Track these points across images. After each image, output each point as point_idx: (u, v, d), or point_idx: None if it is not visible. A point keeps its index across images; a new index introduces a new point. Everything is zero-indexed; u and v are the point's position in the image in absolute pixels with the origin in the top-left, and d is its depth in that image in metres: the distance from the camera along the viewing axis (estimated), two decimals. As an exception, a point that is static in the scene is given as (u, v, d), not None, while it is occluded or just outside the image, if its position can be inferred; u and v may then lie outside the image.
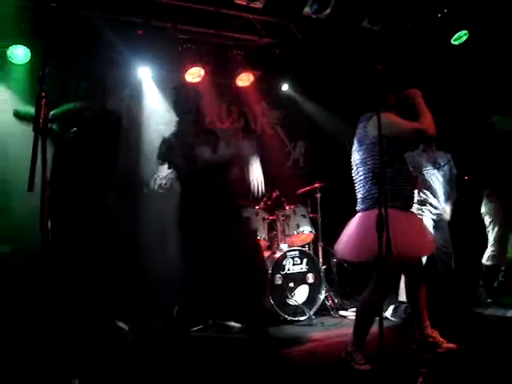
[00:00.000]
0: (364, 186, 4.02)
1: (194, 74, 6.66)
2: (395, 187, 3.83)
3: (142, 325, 3.67)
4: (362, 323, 4.02)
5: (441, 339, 4.16)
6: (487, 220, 6.08)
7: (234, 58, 6.84)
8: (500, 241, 6.00)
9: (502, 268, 6.15)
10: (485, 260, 6.07)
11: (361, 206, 4.03)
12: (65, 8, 5.64)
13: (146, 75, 6.52)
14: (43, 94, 2.31)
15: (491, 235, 6.04)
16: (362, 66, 6.71)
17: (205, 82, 6.78)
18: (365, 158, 4.03)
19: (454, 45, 6.57)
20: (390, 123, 3.79)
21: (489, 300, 5.99)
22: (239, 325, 5.34)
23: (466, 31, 6.46)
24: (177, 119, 4.40)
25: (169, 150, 4.19)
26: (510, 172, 5.93)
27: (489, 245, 6.06)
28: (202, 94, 4.59)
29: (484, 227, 6.15)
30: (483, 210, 6.12)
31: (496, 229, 6.00)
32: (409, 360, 4.02)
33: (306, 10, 5.89)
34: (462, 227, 6.02)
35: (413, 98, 4.00)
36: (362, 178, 4.05)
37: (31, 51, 5.65)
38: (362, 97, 3.99)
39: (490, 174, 6.14)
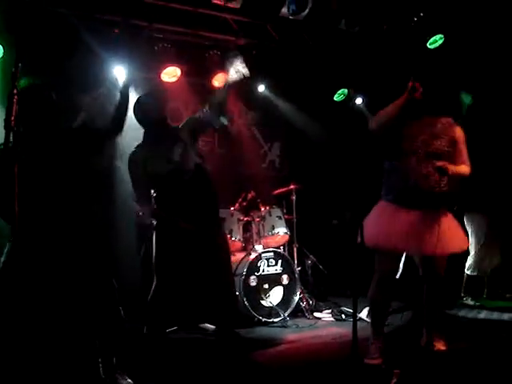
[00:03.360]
0: None
1: (170, 74, 6.62)
2: (390, 182, 3.99)
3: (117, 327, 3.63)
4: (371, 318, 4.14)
5: (442, 347, 4.13)
6: (469, 230, 6.09)
7: (210, 58, 6.81)
8: (479, 255, 6.05)
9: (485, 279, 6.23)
10: (467, 269, 6.13)
11: None
12: (39, 4, 5.56)
13: (121, 74, 6.43)
14: (15, 92, 2.26)
15: (473, 246, 6.07)
16: (339, 68, 6.78)
17: (181, 82, 6.75)
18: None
19: (430, 48, 6.63)
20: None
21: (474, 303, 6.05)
22: (213, 327, 5.29)
23: (441, 35, 6.51)
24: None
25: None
26: (492, 185, 5.99)
27: (470, 255, 6.10)
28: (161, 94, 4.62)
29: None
30: (466, 220, 6.12)
31: (479, 242, 6.04)
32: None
33: (284, 11, 5.88)
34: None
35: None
36: None
37: (4, 47, 5.55)
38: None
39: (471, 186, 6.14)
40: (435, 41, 6.62)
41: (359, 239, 3.43)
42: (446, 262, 4.12)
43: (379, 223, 3.93)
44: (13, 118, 2.29)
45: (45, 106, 3.51)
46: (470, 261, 6.11)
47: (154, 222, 4.51)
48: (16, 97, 2.24)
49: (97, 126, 3.80)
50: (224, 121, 4.81)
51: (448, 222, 4.05)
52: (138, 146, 4.47)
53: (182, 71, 6.62)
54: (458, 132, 4.07)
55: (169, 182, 4.37)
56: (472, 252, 6.07)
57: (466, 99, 6.09)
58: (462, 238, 4.13)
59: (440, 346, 4.13)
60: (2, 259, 3.25)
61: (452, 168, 3.86)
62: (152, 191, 4.49)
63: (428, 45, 6.62)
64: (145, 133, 4.51)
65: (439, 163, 3.84)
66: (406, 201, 3.95)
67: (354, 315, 3.34)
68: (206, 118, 4.57)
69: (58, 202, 3.43)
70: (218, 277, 4.64)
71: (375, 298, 4.04)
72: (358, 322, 5.07)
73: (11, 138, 2.25)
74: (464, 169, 4.01)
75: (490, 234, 6.04)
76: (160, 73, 6.57)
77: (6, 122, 2.27)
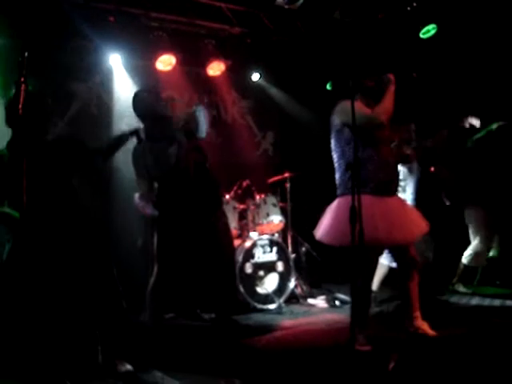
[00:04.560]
0: (337, 172, 4.16)
1: (165, 62, 6.65)
2: (365, 173, 3.87)
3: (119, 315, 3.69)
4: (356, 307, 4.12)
5: (431, 332, 4.18)
6: (469, 224, 6.18)
7: (205, 46, 6.84)
8: (481, 247, 6.13)
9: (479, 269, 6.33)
10: (464, 258, 6.20)
11: (337, 191, 4.13)
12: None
13: (116, 63, 6.46)
14: (22, 79, 2.27)
15: (473, 238, 6.16)
16: (333, 57, 6.81)
17: (176, 70, 6.77)
18: (334, 146, 4.17)
19: (423, 38, 6.68)
20: (349, 111, 3.88)
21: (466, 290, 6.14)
22: (210, 314, 5.36)
23: (434, 25, 6.55)
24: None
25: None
26: (491, 180, 6.06)
27: (470, 246, 6.18)
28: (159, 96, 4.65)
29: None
30: (466, 214, 6.21)
31: (477, 237, 6.11)
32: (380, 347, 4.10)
33: (278, 0, 5.91)
34: (445, 222, 6.12)
35: (385, 84, 4.09)
36: (335, 164, 4.17)
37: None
38: (335, 87, 4.04)
39: (470, 180, 6.22)
40: (428, 31, 6.65)
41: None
42: None
43: (374, 218, 3.80)
44: (20, 106, 2.30)
45: (42, 114, 3.54)
46: (469, 251, 6.15)
47: (156, 213, 4.56)
48: (23, 85, 2.25)
49: (86, 145, 3.81)
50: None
51: (408, 205, 4.31)
52: (139, 143, 4.49)
53: (176, 60, 6.64)
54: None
55: (169, 178, 4.43)
56: (473, 243, 6.14)
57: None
58: (422, 217, 4.21)
59: (426, 329, 4.21)
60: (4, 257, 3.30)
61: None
62: (155, 183, 4.54)
63: (421, 34, 6.65)
64: (144, 127, 4.53)
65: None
66: (387, 190, 4.02)
67: (352, 302, 3.38)
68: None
69: (54, 197, 3.48)
70: (218, 265, 4.70)
71: (361, 288, 4.07)
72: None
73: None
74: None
75: (488, 226, 6.11)
76: (155, 61, 6.58)
77: (14, 111, 2.28)
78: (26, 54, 2.39)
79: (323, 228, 4.12)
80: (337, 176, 4.15)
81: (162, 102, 4.60)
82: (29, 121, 3.10)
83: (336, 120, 4.07)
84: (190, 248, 4.46)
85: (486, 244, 6.08)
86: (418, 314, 4.22)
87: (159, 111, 4.51)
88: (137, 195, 4.60)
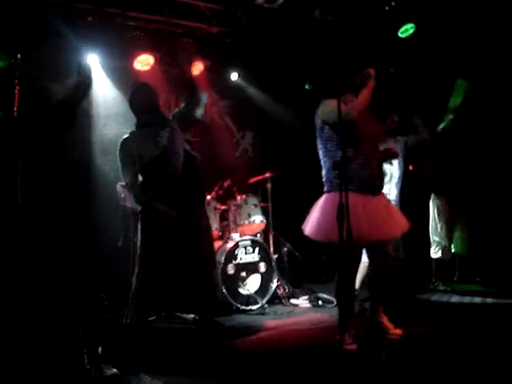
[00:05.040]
0: (323, 169, 4.22)
1: (143, 62, 6.55)
2: (349, 172, 3.83)
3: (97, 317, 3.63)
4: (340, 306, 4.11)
5: (389, 325, 4.29)
6: (433, 215, 6.29)
7: (183, 46, 6.77)
8: (443, 237, 6.22)
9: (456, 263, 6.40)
10: (433, 254, 6.27)
11: (324, 188, 4.19)
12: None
13: (94, 62, 6.36)
14: (17, 82, 2.21)
15: (436, 230, 6.25)
16: (313, 56, 6.80)
17: (154, 70, 6.69)
18: (318, 144, 4.24)
19: (401, 37, 6.70)
20: (326, 110, 3.96)
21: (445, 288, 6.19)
22: (192, 315, 5.31)
23: (412, 24, 6.58)
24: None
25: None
26: (457, 170, 6.15)
27: (433, 239, 6.27)
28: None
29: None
30: (431, 204, 6.33)
31: (442, 225, 6.21)
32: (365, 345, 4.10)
33: (259, -1, 5.88)
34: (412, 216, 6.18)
35: (365, 78, 4.11)
36: (321, 161, 4.22)
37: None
38: (316, 85, 4.03)
39: (437, 170, 6.32)
40: (406, 30, 6.67)
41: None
42: None
43: (356, 215, 3.83)
44: (15, 109, 2.24)
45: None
46: (433, 244, 6.28)
47: (139, 209, 4.49)
48: (18, 87, 2.19)
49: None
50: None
51: (391, 203, 4.43)
52: (130, 133, 4.45)
53: (155, 59, 6.56)
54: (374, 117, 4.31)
55: (156, 167, 4.36)
56: (436, 237, 6.25)
57: (461, 87, 6.17)
58: (403, 216, 4.32)
59: (386, 323, 4.31)
60: None
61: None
62: (139, 177, 4.46)
63: (399, 34, 6.67)
64: (137, 119, 4.49)
65: (392, 149, 4.12)
66: (369, 188, 4.08)
67: (338, 302, 3.38)
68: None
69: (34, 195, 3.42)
70: (199, 266, 4.65)
71: (345, 287, 4.07)
72: (335, 308, 5.22)
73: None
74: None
75: (453, 217, 6.22)
76: (133, 61, 6.50)
77: (8, 114, 2.22)
78: (19, 56, 2.32)
79: (310, 224, 4.15)
80: (323, 173, 4.22)
81: (157, 94, 4.61)
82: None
83: (318, 119, 4.14)
84: (172, 247, 4.39)
85: (448, 235, 6.22)
86: (381, 308, 4.33)
87: (157, 103, 4.54)
88: (119, 184, 4.55)
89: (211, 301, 4.91)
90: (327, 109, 4.01)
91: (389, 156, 4.38)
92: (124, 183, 4.54)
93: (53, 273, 3.37)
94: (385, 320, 4.32)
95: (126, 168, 4.40)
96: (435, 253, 6.28)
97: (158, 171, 4.36)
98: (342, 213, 3.14)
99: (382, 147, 4.40)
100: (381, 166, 4.32)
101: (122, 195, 4.55)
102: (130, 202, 4.56)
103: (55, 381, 3.35)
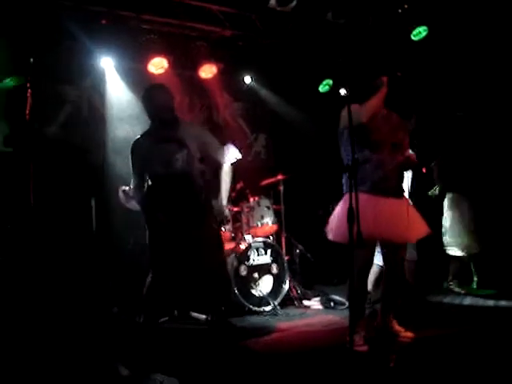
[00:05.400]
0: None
1: (157, 65, 6.63)
2: (363, 173, 4.01)
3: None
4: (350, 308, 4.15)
5: (400, 328, 4.30)
6: (449, 211, 6.29)
7: (197, 49, 6.83)
8: (458, 233, 6.22)
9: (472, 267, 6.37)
10: (452, 251, 6.27)
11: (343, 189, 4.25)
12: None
13: (108, 65, 6.43)
14: (29, 85, 2.25)
15: (450, 226, 6.25)
16: (326, 60, 6.82)
17: (168, 73, 6.75)
18: (341, 147, 4.31)
19: (414, 40, 6.70)
20: (344, 114, 4.05)
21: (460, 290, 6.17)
22: (204, 316, 5.34)
23: (425, 27, 6.59)
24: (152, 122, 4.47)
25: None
26: (476, 168, 6.15)
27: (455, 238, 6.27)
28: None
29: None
30: (447, 200, 6.34)
31: (458, 222, 6.21)
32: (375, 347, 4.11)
33: (272, 2, 5.91)
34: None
35: (377, 86, 4.16)
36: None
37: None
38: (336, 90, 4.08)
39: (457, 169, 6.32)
40: (419, 32, 6.68)
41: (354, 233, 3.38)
42: None
43: (368, 215, 3.91)
44: (28, 112, 2.28)
45: None
46: (449, 243, 6.29)
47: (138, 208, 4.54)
48: (30, 90, 2.23)
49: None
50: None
51: (412, 208, 4.32)
52: (142, 134, 4.50)
53: (168, 62, 6.62)
54: (406, 125, 4.40)
55: (167, 183, 4.41)
56: (450, 236, 6.25)
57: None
58: (424, 223, 4.31)
59: (396, 326, 4.30)
60: None
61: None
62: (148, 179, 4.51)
63: (412, 36, 6.68)
64: (151, 120, 4.52)
65: (408, 154, 4.15)
66: (382, 189, 4.10)
67: (350, 304, 3.39)
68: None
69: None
70: (211, 267, 4.67)
71: (356, 288, 4.10)
72: (347, 310, 5.23)
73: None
74: None
75: (470, 216, 6.22)
76: (147, 64, 6.56)
77: (21, 117, 2.26)
78: (32, 60, 2.38)
79: (329, 225, 4.21)
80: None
81: (172, 95, 4.58)
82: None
83: (340, 125, 4.22)
84: (181, 249, 4.43)
85: (461, 232, 6.23)
86: (392, 311, 4.33)
87: (172, 103, 4.52)
88: (121, 188, 4.59)
89: (224, 301, 4.94)
90: (344, 113, 4.08)
91: (407, 164, 4.39)
92: (126, 188, 4.57)
93: (63, 273, 3.42)
94: (395, 323, 4.32)
95: (134, 169, 4.46)
96: (452, 250, 6.26)
97: (168, 186, 4.41)
98: (350, 215, 3.17)
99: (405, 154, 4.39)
100: (398, 170, 4.30)
101: (123, 198, 4.60)
102: (131, 204, 4.60)
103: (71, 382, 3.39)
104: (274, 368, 3.86)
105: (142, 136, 4.51)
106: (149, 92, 4.55)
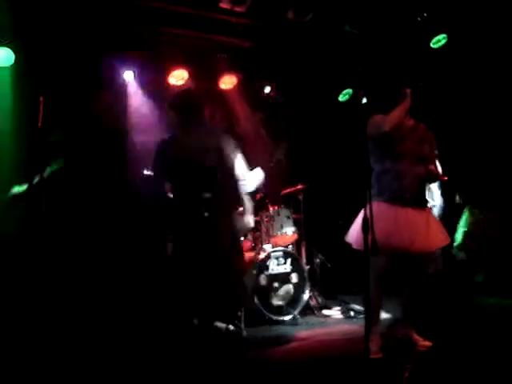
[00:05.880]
0: None
1: (178, 77, 6.73)
2: (383, 183, 4.09)
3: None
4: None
5: (418, 337, 4.29)
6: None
7: (216, 60, 6.91)
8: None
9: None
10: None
11: None
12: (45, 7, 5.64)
13: (129, 77, 6.54)
14: (41, 99, 2.31)
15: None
16: (344, 69, 6.85)
17: (188, 84, 6.83)
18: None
19: (433, 48, 6.70)
20: (368, 124, 4.09)
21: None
22: (225, 325, 5.36)
23: (444, 35, 6.58)
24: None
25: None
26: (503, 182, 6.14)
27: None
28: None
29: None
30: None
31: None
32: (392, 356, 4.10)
33: (289, 13, 5.96)
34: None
35: (402, 97, 4.18)
36: None
37: (15, 53, 5.62)
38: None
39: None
40: (438, 40, 6.68)
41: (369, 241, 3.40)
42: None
43: (386, 224, 3.96)
44: (40, 124, 2.35)
45: None
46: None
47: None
48: (42, 98, 2.29)
49: None
50: None
51: (433, 219, 4.38)
52: (170, 137, 4.57)
53: (189, 74, 6.71)
54: (433, 138, 4.40)
55: (183, 173, 4.46)
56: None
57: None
58: (445, 232, 4.35)
59: (414, 336, 4.30)
60: None
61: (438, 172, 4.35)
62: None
63: (431, 44, 6.68)
64: (180, 120, 4.60)
65: (431, 167, 4.14)
66: (400, 199, 4.14)
67: (366, 313, 3.40)
68: None
69: None
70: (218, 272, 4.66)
71: (372, 296, 4.09)
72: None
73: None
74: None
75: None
76: (167, 75, 6.66)
77: (32, 125, 2.33)
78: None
79: (350, 232, 4.32)
80: None
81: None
82: None
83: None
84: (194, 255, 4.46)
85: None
86: (410, 321, 4.36)
87: (201, 105, 4.71)
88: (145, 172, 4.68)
89: (231, 309, 4.95)
90: (369, 123, 4.14)
91: (430, 176, 4.39)
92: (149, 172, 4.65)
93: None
94: (414, 332, 4.32)
95: (157, 162, 4.53)
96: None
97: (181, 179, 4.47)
98: (365, 223, 3.19)
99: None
100: (418, 181, 4.29)
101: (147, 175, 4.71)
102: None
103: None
104: (292, 377, 3.88)
105: (170, 137, 4.57)
106: (178, 93, 4.77)
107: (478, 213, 6.30)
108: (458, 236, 6.39)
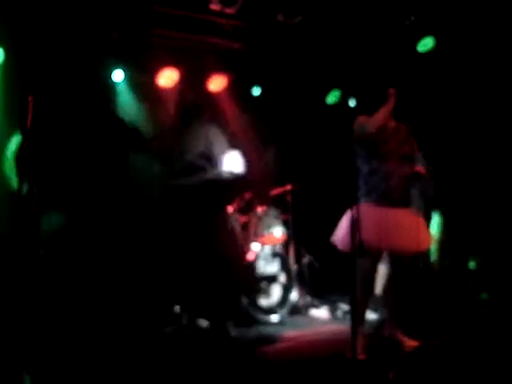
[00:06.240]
0: None
1: (168, 78, 6.73)
2: (370, 184, 4.08)
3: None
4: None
5: (404, 337, 4.32)
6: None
7: (206, 62, 6.93)
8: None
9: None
10: None
11: None
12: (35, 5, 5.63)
13: (119, 77, 6.54)
14: (30, 99, 2.33)
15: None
16: (333, 71, 6.89)
17: (177, 86, 6.84)
18: None
19: (421, 52, 6.75)
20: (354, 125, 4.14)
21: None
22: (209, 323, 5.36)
23: (432, 38, 6.62)
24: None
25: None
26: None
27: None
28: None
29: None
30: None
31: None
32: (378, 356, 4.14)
33: (279, 15, 6.00)
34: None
35: (385, 97, 4.23)
36: None
37: (5, 51, 5.60)
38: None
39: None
40: (425, 44, 6.72)
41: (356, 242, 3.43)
42: None
43: (375, 224, 4.01)
44: (29, 124, 2.36)
45: None
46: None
47: None
48: (31, 97, 2.30)
49: None
50: None
51: (419, 218, 4.41)
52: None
53: (178, 75, 6.72)
54: (413, 138, 4.46)
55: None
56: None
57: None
58: (428, 233, 4.49)
59: (400, 336, 4.34)
60: None
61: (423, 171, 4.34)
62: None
63: (418, 48, 6.72)
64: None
65: (417, 168, 4.18)
66: (388, 200, 4.19)
67: (352, 313, 3.44)
68: None
69: None
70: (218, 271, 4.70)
71: (358, 297, 4.11)
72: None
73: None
74: None
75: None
76: (157, 76, 6.67)
77: (22, 124, 2.34)
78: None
79: (335, 234, 4.36)
80: None
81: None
82: None
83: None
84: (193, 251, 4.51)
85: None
86: (396, 320, 4.41)
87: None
88: None
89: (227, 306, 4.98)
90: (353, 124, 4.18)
91: (415, 177, 4.44)
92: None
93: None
94: (399, 332, 4.35)
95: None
96: None
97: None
98: (352, 225, 3.23)
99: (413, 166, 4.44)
100: (404, 181, 4.34)
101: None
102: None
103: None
104: (280, 377, 3.91)
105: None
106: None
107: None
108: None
